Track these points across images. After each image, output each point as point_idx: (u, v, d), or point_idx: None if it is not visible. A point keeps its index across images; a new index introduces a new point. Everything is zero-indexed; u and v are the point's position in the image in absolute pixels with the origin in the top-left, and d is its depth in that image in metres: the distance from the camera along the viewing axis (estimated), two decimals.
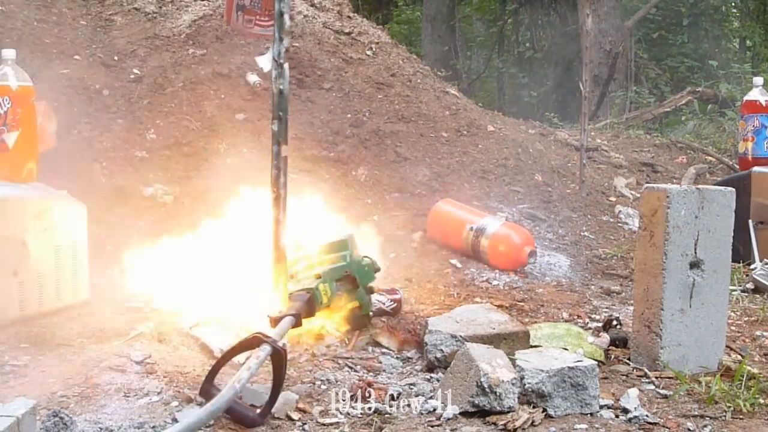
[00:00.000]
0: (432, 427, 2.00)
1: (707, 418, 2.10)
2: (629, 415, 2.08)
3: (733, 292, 3.27)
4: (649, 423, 2.05)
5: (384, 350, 2.54)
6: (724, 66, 9.54)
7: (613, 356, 2.58)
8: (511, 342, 2.42)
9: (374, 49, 5.45)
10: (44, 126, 3.18)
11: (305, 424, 1.99)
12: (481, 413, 2.04)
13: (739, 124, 4.61)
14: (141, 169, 3.86)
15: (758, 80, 4.47)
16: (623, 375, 2.42)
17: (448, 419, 2.02)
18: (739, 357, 2.54)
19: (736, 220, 2.51)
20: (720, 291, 2.50)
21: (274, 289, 2.51)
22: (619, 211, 4.53)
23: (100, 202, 3.32)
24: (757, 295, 3.36)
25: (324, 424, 1.99)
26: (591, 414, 2.10)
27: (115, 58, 4.57)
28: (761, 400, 2.18)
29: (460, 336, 2.36)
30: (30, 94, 2.79)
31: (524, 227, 3.76)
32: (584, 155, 4.66)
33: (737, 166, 4.92)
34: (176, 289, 3.01)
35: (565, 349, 2.40)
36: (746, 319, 3.04)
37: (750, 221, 3.81)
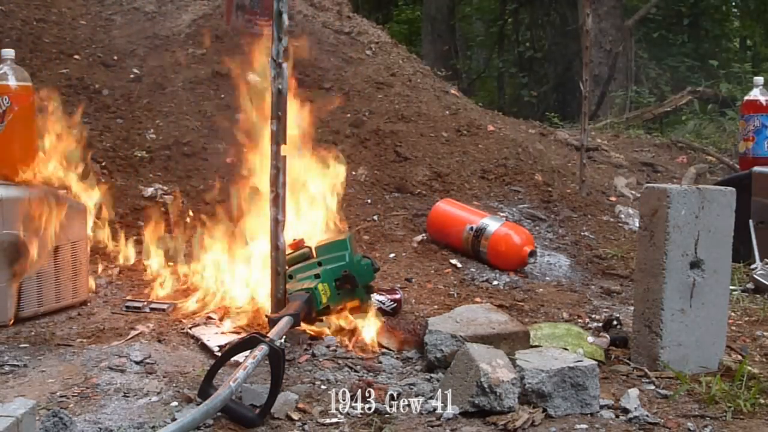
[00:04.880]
0: (432, 427, 1.99)
1: (708, 419, 2.10)
2: (629, 415, 2.08)
3: (734, 292, 3.26)
4: (650, 423, 2.05)
5: (384, 350, 2.53)
6: (724, 66, 9.54)
7: (613, 356, 2.57)
8: (511, 342, 2.41)
9: (374, 49, 5.45)
10: None
11: (305, 424, 1.99)
12: (481, 413, 2.03)
13: (740, 124, 4.60)
14: (141, 169, 3.86)
15: (759, 80, 4.46)
16: (623, 375, 2.42)
17: (448, 419, 2.02)
18: (740, 357, 2.54)
19: (737, 220, 2.51)
20: (720, 291, 2.49)
21: (272, 289, 2.52)
22: (619, 211, 4.52)
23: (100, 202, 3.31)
24: (758, 295, 3.35)
25: (324, 424, 1.99)
26: (591, 414, 2.10)
27: (115, 57, 4.57)
28: (762, 400, 2.18)
29: (460, 336, 2.36)
30: (29, 94, 2.78)
31: (524, 227, 3.76)
32: (584, 155, 4.65)
33: (738, 166, 4.91)
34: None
35: (566, 349, 2.40)
36: (747, 319, 3.04)
37: (750, 221, 3.80)
